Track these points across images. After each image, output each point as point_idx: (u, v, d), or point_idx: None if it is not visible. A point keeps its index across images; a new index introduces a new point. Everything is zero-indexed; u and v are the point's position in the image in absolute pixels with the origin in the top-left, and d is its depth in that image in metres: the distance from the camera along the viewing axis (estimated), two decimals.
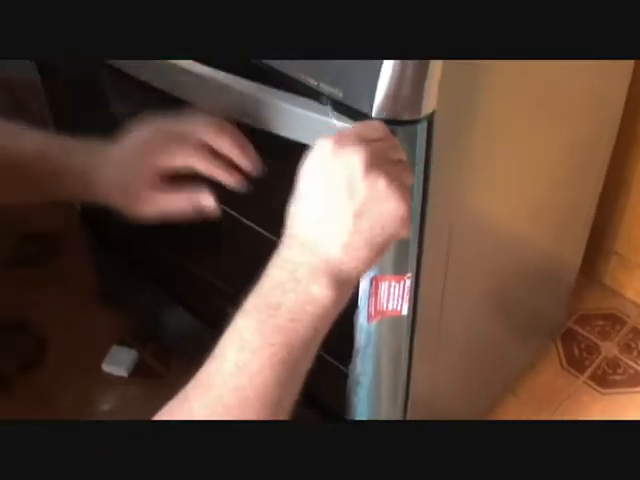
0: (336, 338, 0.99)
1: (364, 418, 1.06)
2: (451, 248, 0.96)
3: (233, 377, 0.66)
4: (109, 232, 1.43)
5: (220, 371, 0.67)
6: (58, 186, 0.96)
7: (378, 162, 0.67)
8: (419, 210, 0.86)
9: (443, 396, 1.21)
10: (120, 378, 1.49)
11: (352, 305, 0.91)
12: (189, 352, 1.46)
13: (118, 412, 1.43)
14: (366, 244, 0.69)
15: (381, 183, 0.67)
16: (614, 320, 1.62)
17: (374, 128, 0.72)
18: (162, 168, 0.91)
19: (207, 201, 0.90)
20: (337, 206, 0.68)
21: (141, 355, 1.52)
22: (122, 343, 1.54)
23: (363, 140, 0.68)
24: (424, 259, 0.91)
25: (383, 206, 0.68)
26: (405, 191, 0.69)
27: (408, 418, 1.09)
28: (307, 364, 0.71)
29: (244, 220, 1.07)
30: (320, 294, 0.68)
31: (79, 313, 1.59)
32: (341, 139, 0.68)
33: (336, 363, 1.04)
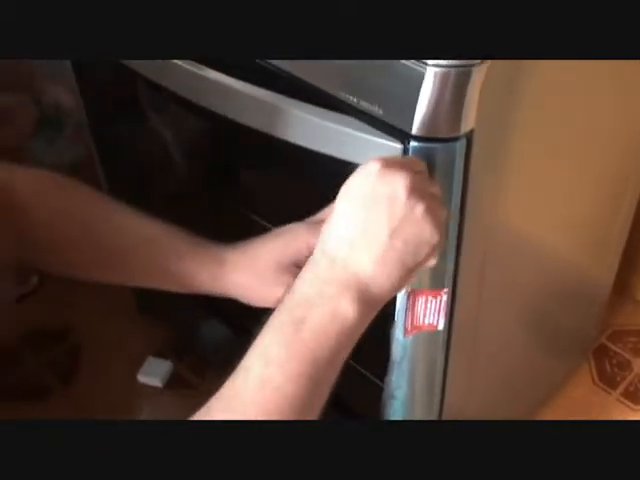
0: (372, 351, 1.00)
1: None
2: (487, 265, 0.97)
3: (257, 391, 0.67)
4: None
5: (244, 385, 0.68)
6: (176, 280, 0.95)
7: (419, 190, 0.71)
8: (456, 227, 0.87)
9: (476, 411, 1.22)
10: (155, 389, 1.50)
11: (388, 318, 0.93)
12: (224, 364, 1.48)
13: None
14: (397, 263, 0.71)
15: (420, 208, 0.70)
16: None
17: (416, 161, 0.76)
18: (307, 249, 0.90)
19: None
20: (374, 223, 0.70)
21: (176, 366, 1.53)
22: (158, 354, 1.55)
23: (408, 168, 0.71)
24: (460, 275, 0.92)
25: (418, 230, 0.71)
26: (439, 222, 0.72)
27: None
28: (332, 379, 0.71)
29: None
30: (347, 310, 0.70)
31: (116, 324, 1.61)
32: (388, 163, 0.71)
33: (371, 376, 1.05)
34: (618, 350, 1.59)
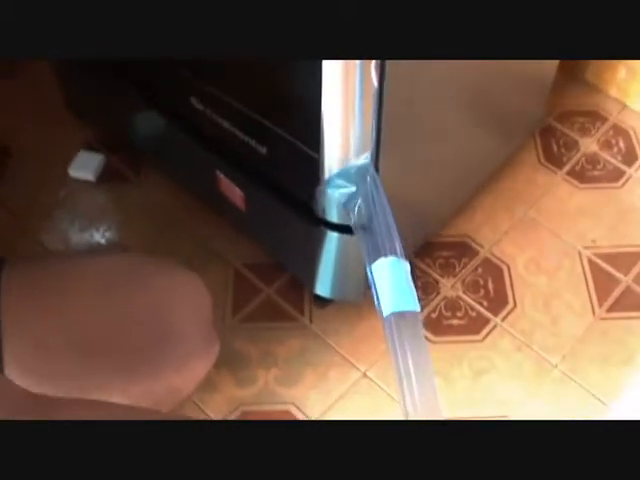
0: (305, 126, 0.96)
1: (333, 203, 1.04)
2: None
3: None
4: None
5: None
6: None
7: None
8: None
9: (416, 190, 1.18)
10: (88, 183, 1.47)
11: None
12: (159, 156, 1.43)
13: (88, 216, 1.43)
14: None
15: None
16: (595, 117, 1.59)
17: None
18: None
19: None
20: None
21: (109, 160, 1.49)
22: (89, 148, 1.51)
23: None
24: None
25: None
26: None
27: None
28: None
29: None
30: None
31: (47, 123, 1.55)
32: None
33: (305, 149, 1.01)
34: (565, 130, 1.56)
